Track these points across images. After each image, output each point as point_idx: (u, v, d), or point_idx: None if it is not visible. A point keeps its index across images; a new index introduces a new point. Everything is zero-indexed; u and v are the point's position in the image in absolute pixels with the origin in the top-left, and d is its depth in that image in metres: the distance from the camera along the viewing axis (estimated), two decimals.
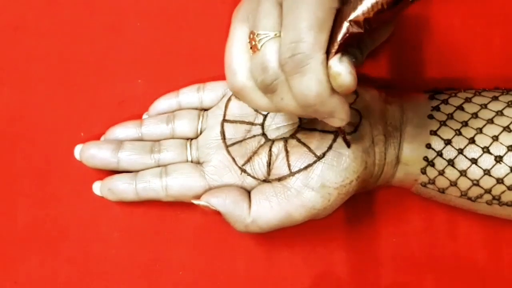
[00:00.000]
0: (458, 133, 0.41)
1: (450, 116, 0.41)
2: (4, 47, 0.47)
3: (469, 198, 0.41)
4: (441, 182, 0.41)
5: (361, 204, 0.46)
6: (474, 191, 0.41)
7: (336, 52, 0.32)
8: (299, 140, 0.41)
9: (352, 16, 0.32)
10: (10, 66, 0.47)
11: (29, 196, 0.47)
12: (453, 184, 0.41)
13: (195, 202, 0.41)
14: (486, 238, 0.45)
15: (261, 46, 0.34)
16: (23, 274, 0.46)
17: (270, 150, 0.41)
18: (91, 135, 0.46)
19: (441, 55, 0.46)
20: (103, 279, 0.46)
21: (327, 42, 0.33)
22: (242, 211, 0.41)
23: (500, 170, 0.40)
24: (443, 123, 0.41)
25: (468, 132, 0.40)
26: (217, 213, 0.41)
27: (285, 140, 0.41)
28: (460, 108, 0.41)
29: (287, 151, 0.41)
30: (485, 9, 0.46)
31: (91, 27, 0.47)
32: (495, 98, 0.41)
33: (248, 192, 0.41)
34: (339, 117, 0.34)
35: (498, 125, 0.40)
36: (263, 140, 0.42)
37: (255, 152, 0.42)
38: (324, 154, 0.40)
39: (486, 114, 0.41)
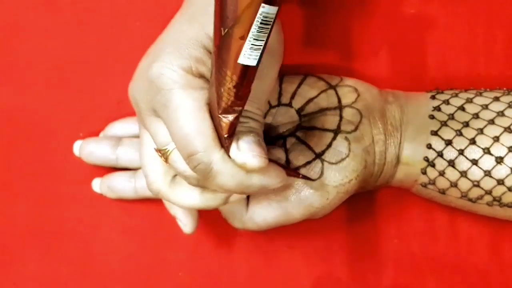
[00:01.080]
0: (459, 133, 0.40)
1: (451, 117, 0.41)
2: (4, 47, 0.47)
3: (470, 199, 0.41)
4: (442, 182, 0.41)
5: (362, 205, 0.46)
6: (475, 192, 0.40)
7: (230, 143, 0.33)
8: (298, 138, 0.41)
9: (220, 110, 0.32)
10: (10, 66, 0.47)
11: (29, 196, 0.47)
12: (454, 185, 0.41)
13: None
14: (487, 239, 0.45)
15: (168, 159, 0.35)
16: (22, 274, 0.46)
17: None
18: (90, 134, 0.46)
19: (441, 55, 0.46)
20: (103, 279, 0.46)
21: (217, 139, 0.33)
22: (240, 208, 0.41)
23: (500, 171, 0.39)
24: (444, 124, 0.41)
25: (469, 133, 0.40)
26: (215, 210, 0.41)
27: (285, 138, 0.41)
28: (461, 108, 0.41)
29: (286, 149, 0.41)
30: (485, 9, 0.46)
31: (91, 27, 0.47)
32: (496, 99, 0.41)
33: None
34: (272, 187, 0.35)
35: (499, 126, 0.40)
36: None
37: None
38: (323, 152, 0.40)
39: (487, 114, 0.41)
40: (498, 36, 0.46)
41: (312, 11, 0.46)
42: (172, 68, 0.34)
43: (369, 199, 0.46)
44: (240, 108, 0.32)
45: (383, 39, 0.46)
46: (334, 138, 0.40)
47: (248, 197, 0.41)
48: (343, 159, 0.40)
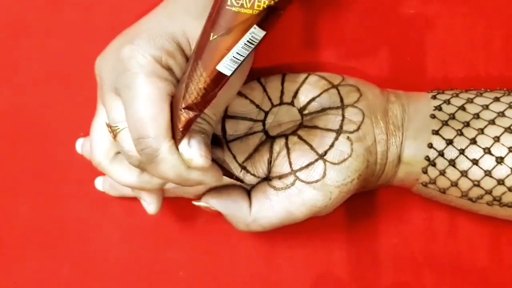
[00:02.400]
0: (460, 133, 0.40)
1: (452, 116, 0.41)
2: (4, 47, 0.47)
3: (470, 199, 0.41)
4: (442, 182, 0.41)
5: (362, 204, 0.46)
6: (475, 192, 0.41)
7: (182, 137, 0.35)
8: (300, 138, 0.41)
9: (184, 104, 0.34)
10: (10, 66, 0.47)
11: (29, 196, 0.47)
12: (454, 184, 0.41)
13: (196, 203, 0.42)
14: (487, 238, 0.45)
15: (117, 136, 0.37)
16: (23, 274, 0.46)
17: (271, 147, 0.41)
18: None
19: (441, 55, 0.46)
20: (103, 279, 0.46)
21: (170, 129, 0.35)
22: (243, 211, 0.41)
23: (501, 171, 0.40)
24: (445, 123, 0.41)
25: (470, 133, 0.40)
26: (218, 214, 0.41)
27: (287, 137, 0.41)
28: (462, 108, 0.41)
29: (288, 149, 0.41)
30: (485, 9, 0.46)
31: (91, 27, 0.47)
32: (496, 99, 0.41)
33: (248, 191, 0.42)
34: (208, 184, 0.37)
35: (500, 126, 0.40)
36: (264, 137, 0.42)
37: (256, 149, 0.42)
38: (326, 152, 0.40)
39: (487, 115, 0.41)
40: (498, 36, 0.46)
41: (312, 11, 0.46)
42: (143, 54, 0.35)
43: (369, 198, 0.46)
44: (203, 109, 0.34)
45: (383, 39, 0.46)
46: (336, 138, 0.40)
47: (250, 200, 0.41)
48: (345, 159, 0.40)
